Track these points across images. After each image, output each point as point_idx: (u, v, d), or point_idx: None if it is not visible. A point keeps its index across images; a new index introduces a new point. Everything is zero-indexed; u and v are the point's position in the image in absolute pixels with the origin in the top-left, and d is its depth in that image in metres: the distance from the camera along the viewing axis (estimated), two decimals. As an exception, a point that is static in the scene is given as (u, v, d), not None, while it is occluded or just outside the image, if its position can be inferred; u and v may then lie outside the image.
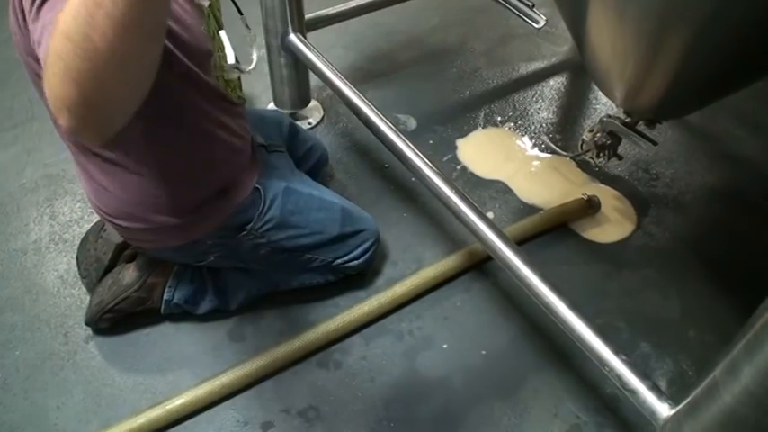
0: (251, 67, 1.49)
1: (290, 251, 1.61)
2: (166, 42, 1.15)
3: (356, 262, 1.70)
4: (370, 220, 1.74)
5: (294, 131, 1.90)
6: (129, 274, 1.63)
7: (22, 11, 1.06)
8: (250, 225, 1.52)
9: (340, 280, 1.74)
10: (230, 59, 1.28)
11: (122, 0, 0.76)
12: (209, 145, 1.41)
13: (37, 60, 1.09)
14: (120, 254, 1.69)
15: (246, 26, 1.54)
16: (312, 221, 1.62)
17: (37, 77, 1.16)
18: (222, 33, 1.28)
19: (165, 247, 1.50)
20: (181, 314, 1.67)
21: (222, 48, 1.31)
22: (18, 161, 2.13)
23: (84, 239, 1.73)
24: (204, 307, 1.67)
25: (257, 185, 1.55)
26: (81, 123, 0.86)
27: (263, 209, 1.54)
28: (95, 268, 1.67)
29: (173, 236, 1.46)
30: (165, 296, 1.63)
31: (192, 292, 1.64)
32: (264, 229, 1.55)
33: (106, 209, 1.43)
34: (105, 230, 1.70)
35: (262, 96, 2.38)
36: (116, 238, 1.64)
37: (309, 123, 2.28)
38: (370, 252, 1.72)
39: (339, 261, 1.68)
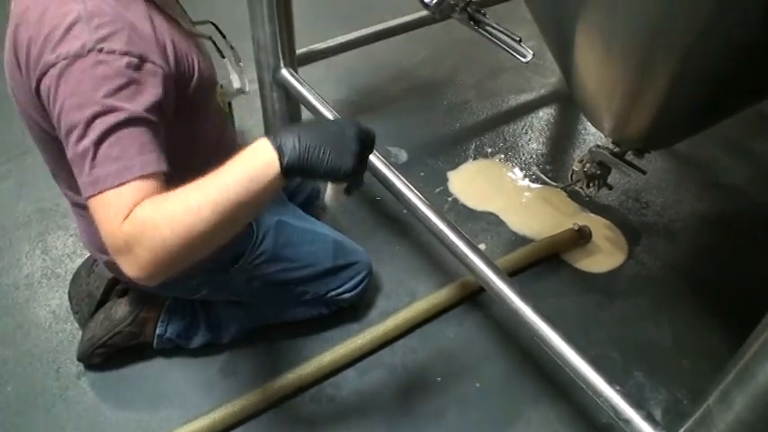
0: (248, 89, 1.54)
1: (283, 284, 1.61)
2: (193, 81, 1.18)
3: (349, 294, 1.70)
4: (362, 252, 1.75)
5: None
6: (121, 308, 1.62)
7: (27, 54, 1.04)
8: (242, 259, 1.52)
9: (333, 313, 1.73)
10: (236, 84, 1.31)
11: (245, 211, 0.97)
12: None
13: (35, 108, 1.10)
14: (113, 288, 1.68)
15: (233, 53, 1.58)
16: (304, 254, 1.62)
17: (34, 123, 1.16)
18: (226, 61, 1.32)
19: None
20: (173, 349, 1.67)
21: (229, 73, 1.34)
22: (11, 195, 2.13)
23: (77, 274, 1.73)
24: (197, 341, 1.66)
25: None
26: (149, 279, 0.97)
27: (255, 242, 1.53)
28: (87, 303, 1.66)
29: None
30: (158, 331, 1.62)
31: (185, 326, 1.64)
32: (257, 262, 1.54)
33: (98, 245, 1.43)
34: (97, 265, 1.70)
35: (253, 130, 2.39)
36: (108, 272, 1.64)
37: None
38: (362, 285, 1.72)
39: (332, 294, 1.68)
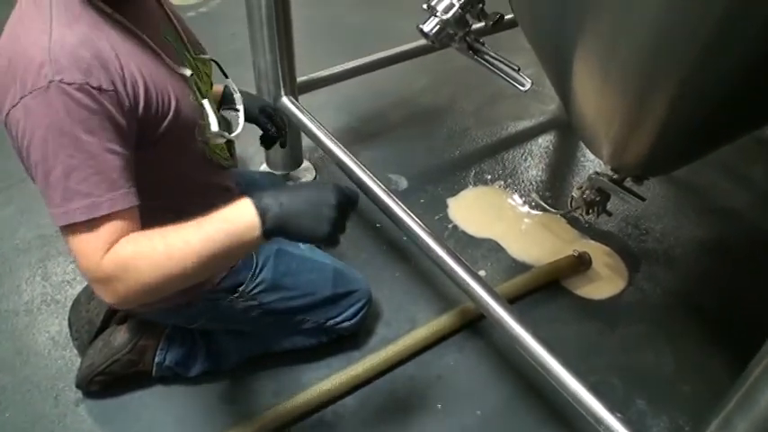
0: (237, 131, 1.47)
1: (282, 313, 1.61)
2: (168, 118, 1.19)
3: (348, 323, 1.69)
4: (362, 280, 1.74)
5: None
6: (120, 336, 1.62)
7: None
8: (242, 287, 1.52)
9: (333, 341, 1.73)
10: (213, 127, 1.30)
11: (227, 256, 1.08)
12: (200, 207, 1.37)
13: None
14: (113, 316, 1.68)
15: (233, 89, 1.57)
16: (304, 283, 1.62)
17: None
18: (205, 102, 1.31)
19: (157, 309, 1.50)
20: (172, 377, 1.66)
21: (207, 116, 1.32)
22: (12, 221, 2.14)
23: (77, 301, 1.73)
24: (196, 369, 1.65)
25: None
26: (123, 306, 1.10)
27: (254, 271, 1.54)
28: (87, 330, 1.66)
29: (165, 298, 1.46)
30: (157, 359, 1.62)
31: (184, 354, 1.63)
32: (256, 291, 1.54)
33: None
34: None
35: (255, 158, 2.40)
36: None
37: (301, 184, 2.30)
38: (362, 313, 1.71)
39: (331, 322, 1.67)
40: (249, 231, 1.07)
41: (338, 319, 1.68)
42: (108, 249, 1.04)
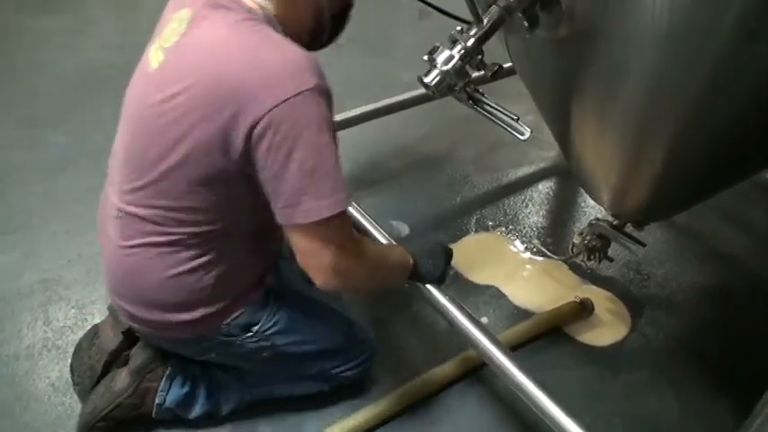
0: None
1: (293, 357, 1.60)
2: None
3: (352, 372, 1.69)
4: (369, 331, 1.75)
5: None
6: (121, 379, 1.61)
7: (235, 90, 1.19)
8: (257, 327, 1.52)
9: (334, 389, 1.72)
10: None
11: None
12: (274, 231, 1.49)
13: (220, 143, 1.22)
14: (113, 362, 1.68)
15: None
16: (319, 330, 1.62)
17: (201, 157, 1.26)
18: None
19: (178, 338, 1.51)
20: (174, 421, 1.64)
21: None
22: (15, 266, 2.14)
23: (78, 347, 1.72)
24: (196, 411, 1.64)
25: (268, 288, 1.56)
26: (327, 286, 1.32)
27: (271, 311, 1.54)
28: (89, 376, 1.66)
29: (194, 327, 1.47)
30: (157, 400, 1.60)
31: (184, 395, 1.62)
32: (271, 332, 1.54)
33: (161, 300, 1.44)
34: (98, 337, 1.69)
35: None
36: (109, 345, 1.64)
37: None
38: (367, 363, 1.72)
39: (337, 370, 1.67)
40: (408, 271, 1.55)
41: (344, 368, 1.67)
42: (352, 240, 1.33)
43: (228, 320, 1.48)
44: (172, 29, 1.33)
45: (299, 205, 1.22)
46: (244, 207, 1.37)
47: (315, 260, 1.29)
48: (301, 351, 1.60)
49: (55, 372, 1.80)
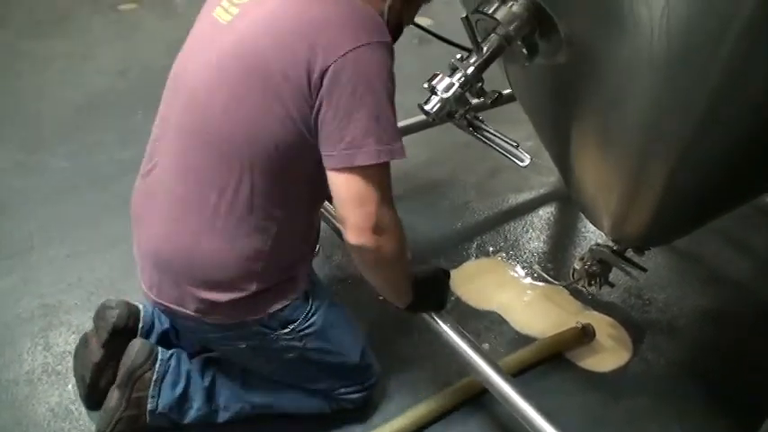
0: None
1: (313, 365, 1.60)
2: None
3: (357, 396, 1.68)
4: (374, 357, 1.74)
5: None
6: (113, 396, 1.59)
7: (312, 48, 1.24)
8: (295, 324, 1.52)
9: (334, 413, 1.71)
10: None
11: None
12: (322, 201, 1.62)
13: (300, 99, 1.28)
14: (103, 370, 1.66)
15: None
16: (344, 342, 1.63)
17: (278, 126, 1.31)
18: None
19: (219, 324, 1.49)
20: (170, 426, 1.62)
21: None
22: (15, 291, 2.14)
23: (75, 354, 1.75)
24: (191, 416, 1.61)
25: (306, 290, 1.56)
26: (357, 244, 1.34)
27: (309, 312, 1.54)
28: (81, 386, 1.70)
29: (240, 310, 1.46)
30: (149, 407, 1.58)
31: (178, 397, 1.60)
32: (305, 333, 1.54)
33: (216, 275, 1.43)
34: (86, 347, 1.69)
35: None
36: (94, 357, 1.65)
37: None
38: (372, 389, 1.72)
39: (343, 390, 1.66)
40: (408, 297, 1.57)
41: (351, 390, 1.67)
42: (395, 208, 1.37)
43: (273, 310, 1.48)
44: None
45: (363, 147, 1.26)
46: (306, 173, 1.39)
47: (362, 209, 1.30)
48: (324, 361, 1.60)
49: (54, 397, 1.79)
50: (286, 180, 1.38)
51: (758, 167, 1.32)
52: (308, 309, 1.55)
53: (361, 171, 1.28)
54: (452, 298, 2.16)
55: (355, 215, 1.31)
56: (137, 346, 1.61)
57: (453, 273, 2.24)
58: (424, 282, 1.60)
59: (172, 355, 1.64)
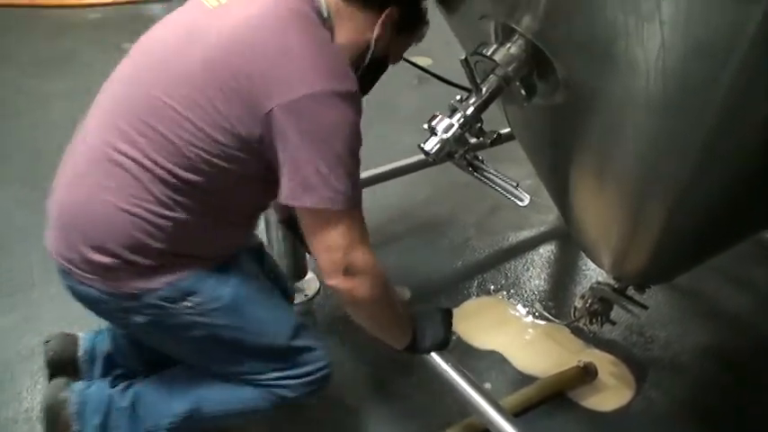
0: None
1: (227, 345, 1.45)
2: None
3: (293, 382, 1.49)
4: (323, 347, 1.57)
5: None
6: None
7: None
8: (197, 298, 1.39)
9: (277, 407, 1.53)
10: None
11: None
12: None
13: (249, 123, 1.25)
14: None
15: None
16: (264, 319, 1.48)
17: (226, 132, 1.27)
18: None
19: (115, 291, 1.36)
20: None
21: None
22: (16, 328, 2.14)
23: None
24: None
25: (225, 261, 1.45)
26: (329, 283, 1.33)
27: (217, 285, 1.41)
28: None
29: (131, 277, 1.35)
30: None
31: (100, 427, 1.52)
32: (211, 307, 1.40)
33: (105, 238, 1.32)
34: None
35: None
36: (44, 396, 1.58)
37: (306, 295, 2.31)
38: (314, 384, 1.52)
39: (278, 374, 1.49)
40: (406, 338, 1.53)
41: (282, 377, 1.49)
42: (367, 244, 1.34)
43: (171, 279, 1.36)
44: None
45: (312, 191, 1.24)
46: (227, 179, 1.33)
47: (329, 254, 1.30)
48: (238, 339, 1.45)
49: (53, 439, 1.77)
50: (203, 176, 1.30)
51: (756, 206, 1.33)
52: (214, 281, 1.41)
53: (322, 214, 1.27)
54: (453, 337, 2.13)
55: (323, 259, 1.30)
56: (50, 387, 1.58)
57: (454, 312, 2.23)
58: (424, 322, 1.58)
59: (90, 385, 1.58)
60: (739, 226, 1.47)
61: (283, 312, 1.56)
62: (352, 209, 1.29)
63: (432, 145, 1.41)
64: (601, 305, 1.83)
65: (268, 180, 1.31)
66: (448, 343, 1.62)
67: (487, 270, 2.49)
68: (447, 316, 1.64)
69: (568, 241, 2.61)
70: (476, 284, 2.40)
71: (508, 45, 1.33)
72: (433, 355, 1.61)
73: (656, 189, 1.33)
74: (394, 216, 2.80)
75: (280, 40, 1.25)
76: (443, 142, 1.40)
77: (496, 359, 2.08)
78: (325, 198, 1.24)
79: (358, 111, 1.27)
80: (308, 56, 1.24)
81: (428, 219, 2.80)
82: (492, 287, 2.39)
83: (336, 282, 1.31)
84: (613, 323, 1.89)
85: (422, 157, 1.46)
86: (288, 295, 1.88)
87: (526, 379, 2.00)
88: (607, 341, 2.14)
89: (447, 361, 1.61)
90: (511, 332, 2.19)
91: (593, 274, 2.45)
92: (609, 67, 1.18)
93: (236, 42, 1.25)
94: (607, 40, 1.14)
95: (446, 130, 1.39)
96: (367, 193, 2.50)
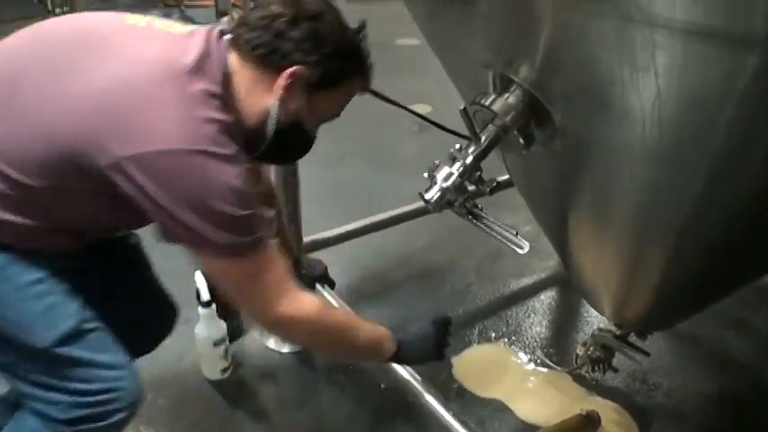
0: None
1: None
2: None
3: (65, 398, 1.22)
4: (126, 368, 1.30)
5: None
6: None
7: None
8: None
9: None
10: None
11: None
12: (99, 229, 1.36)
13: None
14: None
15: None
16: (26, 308, 1.21)
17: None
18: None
19: None
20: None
21: None
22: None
23: None
24: None
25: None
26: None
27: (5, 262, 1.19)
28: None
29: None
30: None
31: None
32: None
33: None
34: None
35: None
36: None
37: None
38: (94, 400, 1.24)
39: (43, 383, 1.23)
40: (380, 353, 1.45)
41: (55, 384, 1.23)
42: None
43: None
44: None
45: (205, 243, 1.14)
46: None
47: (250, 310, 1.28)
48: None
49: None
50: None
51: (754, 252, 1.34)
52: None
53: (226, 263, 1.18)
54: (455, 385, 2.13)
55: (246, 313, 1.29)
56: None
57: (455, 360, 2.23)
58: (412, 343, 1.50)
59: None
60: (738, 272, 1.47)
61: (57, 309, 1.24)
62: (251, 255, 1.18)
63: (432, 194, 1.43)
64: (603, 352, 1.82)
65: (103, 198, 1.17)
66: (442, 355, 1.55)
67: (488, 317, 2.48)
68: (439, 326, 1.56)
69: (569, 287, 2.60)
70: (477, 332, 2.39)
71: (506, 95, 1.35)
72: (434, 403, 1.60)
73: (655, 237, 1.33)
74: (394, 263, 2.80)
75: (156, 91, 1.12)
76: (443, 191, 1.42)
77: (498, 407, 2.05)
78: (219, 246, 1.14)
79: (236, 174, 1.13)
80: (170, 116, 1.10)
81: (428, 265, 2.80)
82: (493, 334, 2.38)
83: (271, 330, 1.34)
84: (615, 370, 1.88)
85: (421, 204, 1.48)
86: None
87: (528, 427, 1.98)
88: (609, 388, 2.12)
89: (448, 409, 1.60)
90: (512, 380, 2.17)
91: (594, 320, 2.44)
92: (605, 117, 1.20)
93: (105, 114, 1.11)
94: (603, 91, 1.16)
95: (446, 179, 1.41)
96: (368, 240, 2.54)
